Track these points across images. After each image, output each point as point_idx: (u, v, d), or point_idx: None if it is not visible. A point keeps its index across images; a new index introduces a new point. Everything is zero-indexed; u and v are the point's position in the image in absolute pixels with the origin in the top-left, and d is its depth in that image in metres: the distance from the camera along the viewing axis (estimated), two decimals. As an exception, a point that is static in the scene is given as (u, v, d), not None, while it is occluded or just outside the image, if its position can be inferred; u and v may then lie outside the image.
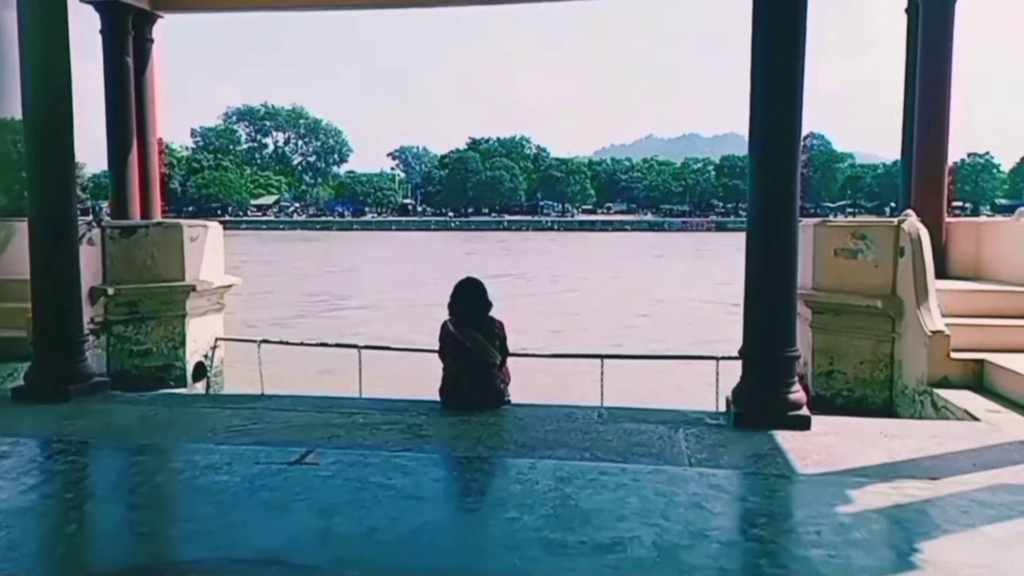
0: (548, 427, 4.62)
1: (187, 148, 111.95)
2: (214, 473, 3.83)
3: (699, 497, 3.46)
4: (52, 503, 3.53)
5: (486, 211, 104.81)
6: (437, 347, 5.31)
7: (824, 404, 6.32)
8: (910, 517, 3.27)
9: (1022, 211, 7.01)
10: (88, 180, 77.25)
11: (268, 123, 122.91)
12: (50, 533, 3.24)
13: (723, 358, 6.80)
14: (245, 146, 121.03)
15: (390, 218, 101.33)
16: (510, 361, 5.35)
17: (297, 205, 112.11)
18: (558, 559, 2.85)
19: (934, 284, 6.00)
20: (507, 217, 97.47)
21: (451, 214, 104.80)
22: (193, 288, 7.55)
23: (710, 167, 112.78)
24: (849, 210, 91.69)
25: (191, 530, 3.21)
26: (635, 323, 19.23)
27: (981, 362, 5.64)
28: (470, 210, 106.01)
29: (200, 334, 7.89)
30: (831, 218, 7.75)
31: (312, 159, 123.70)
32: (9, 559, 2.86)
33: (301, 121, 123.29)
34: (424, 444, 4.34)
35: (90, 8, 8.41)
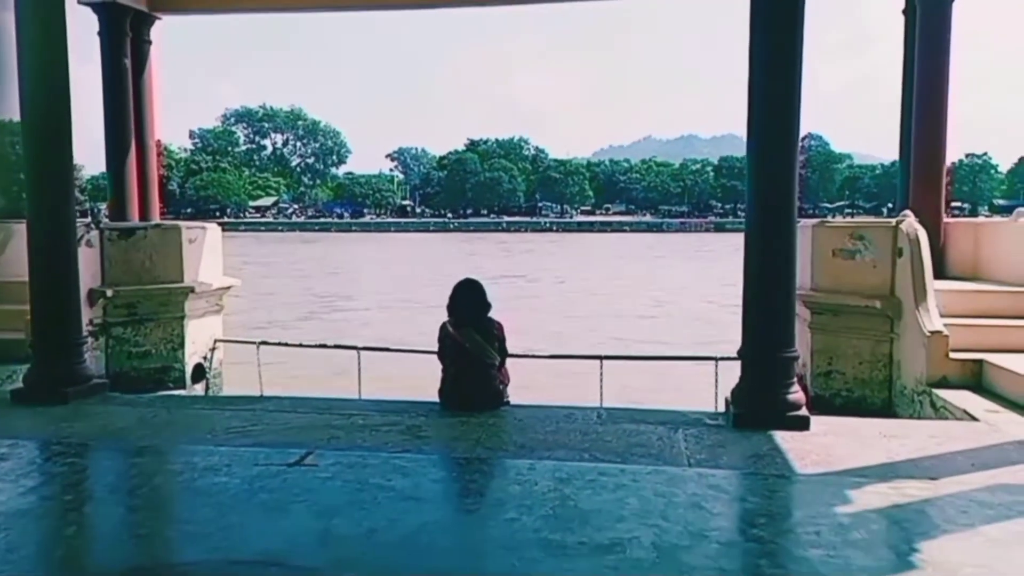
0: (547, 428, 4.62)
1: (185, 150, 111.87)
2: (213, 475, 3.83)
3: (698, 497, 3.47)
4: (51, 505, 3.53)
5: (485, 212, 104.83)
6: (436, 348, 5.31)
7: (823, 404, 6.33)
8: (909, 517, 3.27)
9: (1020, 211, 7.02)
10: (86, 182, 77.24)
11: (266, 124, 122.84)
12: (49, 535, 3.23)
13: (722, 359, 6.80)
14: (243, 148, 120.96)
15: (389, 219, 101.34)
16: (509, 362, 5.35)
17: (296, 207, 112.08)
18: (557, 560, 2.85)
19: (932, 284, 6.01)
20: (506, 218, 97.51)
21: (450, 215, 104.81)
22: (192, 290, 7.54)
23: (708, 168, 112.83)
24: (847, 211, 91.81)
25: (190, 532, 3.21)
26: (640, 324, 19.25)
27: (980, 362, 5.64)
28: (469, 211, 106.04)
29: (199, 336, 7.88)
30: (829, 219, 7.77)
31: (310, 160, 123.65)
32: (8, 561, 2.86)
33: (299, 122, 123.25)
34: (423, 445, 4.34)
35: (88, 10, 8.41)
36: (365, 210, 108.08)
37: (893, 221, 6.41)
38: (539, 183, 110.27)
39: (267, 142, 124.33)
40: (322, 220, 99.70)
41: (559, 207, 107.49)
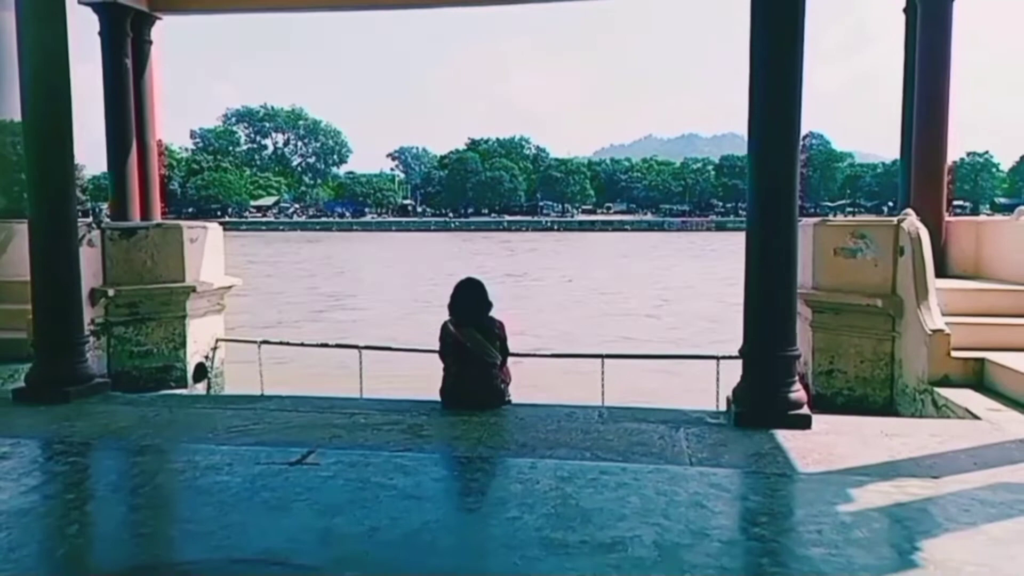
0: (549, 427, 4.62)
1: (186, 149, 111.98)
2: (215, 474, 3.83)
3: (700, 496, 3.46)
4: (53, 504, 3.53)
5: (486, 212, 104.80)
6: (438, 347, 5.31)
7: (825, 403, 6.33)
8: (911, 516, 3.26)
9: (1022, 210, 7.01)
10: (88, 182, 77.27)
11: (267, 124, 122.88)
12: (51, 534, 3.23)
13: (723, 357, 6.80)
14: (244, 147, 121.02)
15: (390, 219, 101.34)
16: (510, 361, 5.35)
17: (297, 206, 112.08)
18: (559, 558, 2.85)
19: (934, 283, 6.00)
20: (507, 217, 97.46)
21: (451, 215, 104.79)
22: (193, 289, 7.55)
23: (710, 167, 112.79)
24: (848, 209, 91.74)
25: (192, 531, 3.21)
26: (649, 323, 19.29)
27: (982, 361, 5.64)
28: (470, 210, 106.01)
29: (200, 335, 7.89)
30: (831, 217, 7.76)
31: (311, 160, 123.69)
32: (10, 560, 2.86)
33: (300, 122, 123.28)
34: (425, 444, 4.35)
35: (88, 10, 8.42)
36: (366, 209, 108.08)
37: (894, 220, 6.40)
38: (540, 182, 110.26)
39: (268, 142, 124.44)
40: (323, 220, 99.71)
41: (560, 206, 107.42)
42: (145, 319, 7.44)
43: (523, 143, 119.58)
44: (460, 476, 4.01)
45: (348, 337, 12.88)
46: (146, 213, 8.92)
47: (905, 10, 7.86)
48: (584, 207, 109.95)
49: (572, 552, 2.89)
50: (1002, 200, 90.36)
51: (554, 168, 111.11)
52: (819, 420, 4.67)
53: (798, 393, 4.70)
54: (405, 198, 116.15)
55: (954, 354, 5.65)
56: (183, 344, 7.60)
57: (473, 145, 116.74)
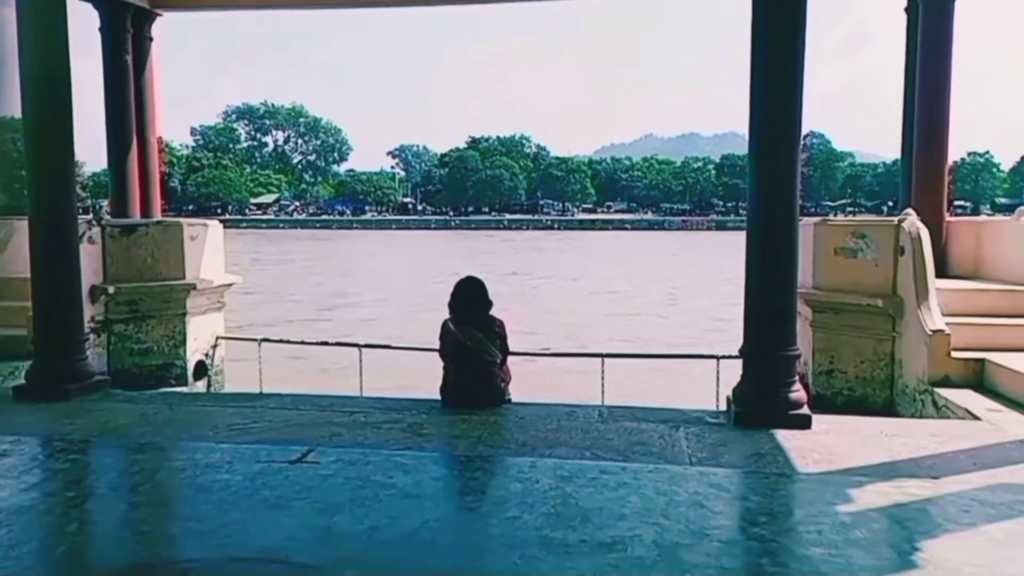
0: (548, 426, 4.62)
1: (187, 147, 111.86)
2: (215, 471, 3.83)
3: (700, 496, 3.46)
4: (53, 501, 3.53)
5: (486, 210, 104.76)
6: (438, 346, 5.31)
7: (825, 403, 6.33)
8: (911, 516, 3.27)
9: (1022, 210, 7.01)
10: (88, 178, 77.22)
11: (268, 122, 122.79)
12: (51, 531, 3.24)
13: (723, 357, 6.80)
14: (245, 144, 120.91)
15: (390, 217, 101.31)
16: (510, 360, 5.35)
17: (297, 204, 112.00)
18: (559, 558, 2.85)
19: (934, 283, 6.00)
20: (507, 216, 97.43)
21: (451, 213, 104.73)
22: (193, 287, 7.56)
23: (710, 166, 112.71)
24: (849, 209, 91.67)
25: (192, 528, 3.21)
26: (657, 323, 19.31)
27: (982, 361, 5.64)
28: (470, 209, 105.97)
29: (200, 333, 7.90)
30: (831, 217, 7.76)
31: (312, 158, 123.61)
32: (10, 557, 2.86)
33: (301, 119, 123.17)
34: (425, 443, 4.35)
35: (89, 6, 8.42)
36: (367, 207, 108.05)
37: (895, 219, 6.40)
38: (540, 181, 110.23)
39: (268, 139, 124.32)
40: (324, 217, 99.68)
41: (560, 205, 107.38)
42: (145, 316, 7.44)
43: (524, 141, 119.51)
44: (460, 475, 4.02)
45: (352, 336, 12.88)
46: (146, 210, 8.92)
47: (906, 9, 7.86)
48: (584, 206, 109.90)
49: (572, 551, 2.89)
50: (1003, 200, 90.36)
51: (554, 167, 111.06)
52: (819, 420, 4.67)
53: (798, 393, 4.70)
54: (405, 196, 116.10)
55: (954, 354, 5.65)
56: (183, 342, 7.61)
57: (474, 143, 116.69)
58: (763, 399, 4.65)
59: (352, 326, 17.77)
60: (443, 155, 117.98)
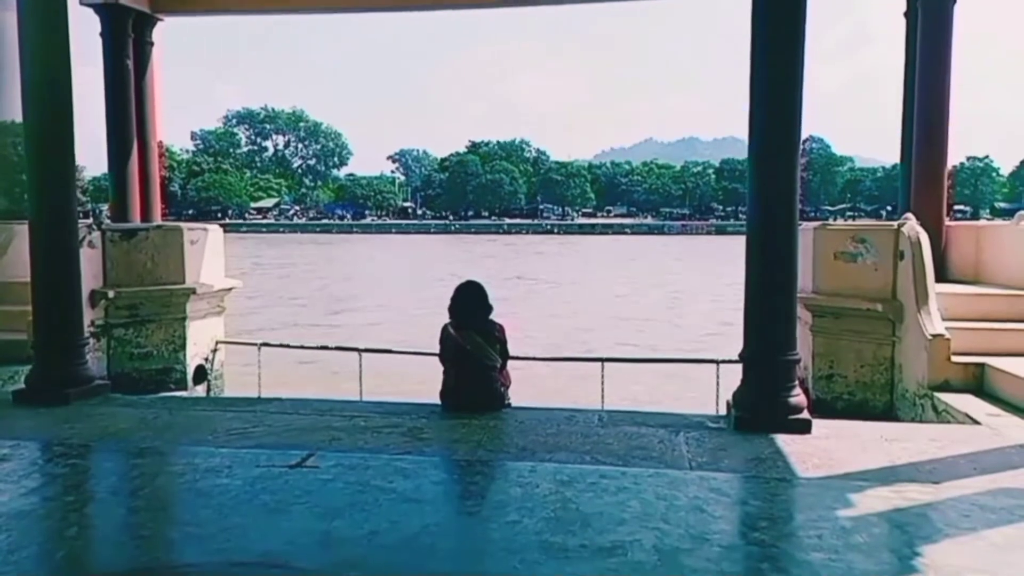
0: (548, 430, 4.62)
1: (187, 151, 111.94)
2: (214, 476, 3.83)
3: (700, 501, 3.46)
4: (52, 506, 3.53)
5: (486, 214, 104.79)
6: (438, 350, 5.31)
7: (825, 408, 6.32)
8: (911, 521, 3.26)
9: (1022, 215, 7.02)
10: (88, 183, 77.32)
11: (268, 126, 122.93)
12: (50, 536, 3.23)
13: (723, 361, 6.80)
14: (245, 149, 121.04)
15: (390, 221, 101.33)
16: (510, 364, 5.35)
17: (297, 208, 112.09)
18: (558, 562, 2.84)
19: (934, 288, 6.00)
20: (507, 220, 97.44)
21: (451, 217, 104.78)
22: (193, 291, 7.56)
23: (710, 170, 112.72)
24: (849, 214, 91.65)
25: (191, 533, 3.20)
26: (663, 327, 19.29)
27: (982, 366, 5.64)
28: (470, 213, 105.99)
29: (200, 337, 7.89)
30: (831, 221, 7.77)
31: (312, 162, 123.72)
32: (9, 562, 2.86)
33: (301, 124, 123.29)
34: (424, 447, 4.34)
35: (90, 11, 8.43)
36: (366, 212, 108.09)
37: (895, 224, 6.41)
38: (540, 185, 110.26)
39: (269, 143, 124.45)
40: (324, 222, 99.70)
41: (560, 209, 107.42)
42: (145, 321, 7.44)
43: (523, 146, 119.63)
44: (460, 479, 4.01)
45: (354, 340, 12.86)
46: (146, 214, 8.93)
47: (906, 14, 7.87)
48: (584, 210, 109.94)
49: (571, 556, 2.89)
50: (1002, 205, 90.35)
51: (554, 171, 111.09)
52: (819, 425, 4.66)
53: (798, 397, 4.70)
54: (405, 200, 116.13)
55: (954, 359, 5.65)
56: (183, 346, 7.61)
57: (473, 148, 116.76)
58: (763, 403, 4.65)
59: (356, 330, 17.75)
60: (443, 159, 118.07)
